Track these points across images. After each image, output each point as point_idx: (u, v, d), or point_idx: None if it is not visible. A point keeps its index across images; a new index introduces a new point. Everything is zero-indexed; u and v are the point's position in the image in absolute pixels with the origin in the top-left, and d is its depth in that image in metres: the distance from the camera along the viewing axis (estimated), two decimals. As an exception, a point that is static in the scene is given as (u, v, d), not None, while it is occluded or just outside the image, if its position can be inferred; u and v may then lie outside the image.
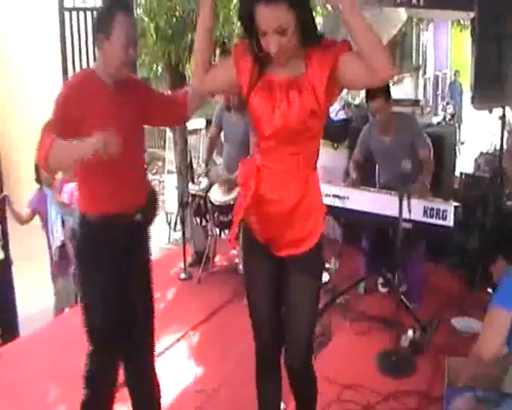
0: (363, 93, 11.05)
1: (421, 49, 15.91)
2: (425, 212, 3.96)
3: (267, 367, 2.61)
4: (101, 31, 2.55)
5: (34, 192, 5.05)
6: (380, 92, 4.28)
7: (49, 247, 5.04)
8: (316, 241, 2.33)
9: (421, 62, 15.92)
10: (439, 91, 15.83)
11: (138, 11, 9.39)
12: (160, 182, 10.30)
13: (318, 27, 2.20)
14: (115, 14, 2.52)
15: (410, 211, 3.72)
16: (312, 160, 2.31)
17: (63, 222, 4.97)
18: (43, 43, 7.51)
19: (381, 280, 4.71)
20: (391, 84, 4.56)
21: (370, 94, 4.35)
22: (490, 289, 4.14)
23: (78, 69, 5.52)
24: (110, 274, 2.64)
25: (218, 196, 4.89)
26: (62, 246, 4.97)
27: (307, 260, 2.34)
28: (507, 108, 4.70)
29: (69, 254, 4.96)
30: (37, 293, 5.17)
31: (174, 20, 9.71)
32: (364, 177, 4.63)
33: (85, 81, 2.65)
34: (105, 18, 2.56)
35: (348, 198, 4.26)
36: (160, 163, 9.20)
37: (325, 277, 4.81)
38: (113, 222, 2.62)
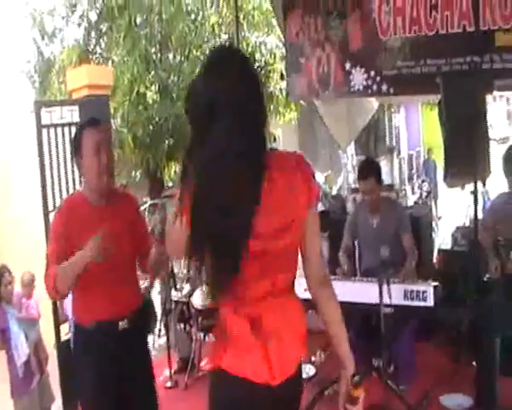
0: (340, 182, 11.18)
1: (393, 131, 16.34)
2: (405, 295, 3.96)
3: None
4: (75, 151, 2.74)
5: None
6: (372, 173, 4.35)
7: (10, 364, 4.84)
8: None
9: (394, 143, 16.31)
10: (414, 170, 16.15)
11: (116, 123, 9.63)
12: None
13: None
14: (82, 132, 2.73)
15: (390, 296, 3.74)
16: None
17: (26, 337, 4.88)
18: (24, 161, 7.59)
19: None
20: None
21: (363, 174, 4.40)
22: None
23: (56, 187, 4.91)
24: (106, 380, 2.71)
25: (200, 300, 4.86)
26: (27, 361, 4.86)
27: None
28: (478, 183, 4.70)
29: (33, 368, 4.89)
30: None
31: (151, 128, 9.98)
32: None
33: (73, 207, 2.78)
34: (75, 140, 2.76)
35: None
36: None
37: (311, 370, 4.73)
38: (103, 330, 2.71)
